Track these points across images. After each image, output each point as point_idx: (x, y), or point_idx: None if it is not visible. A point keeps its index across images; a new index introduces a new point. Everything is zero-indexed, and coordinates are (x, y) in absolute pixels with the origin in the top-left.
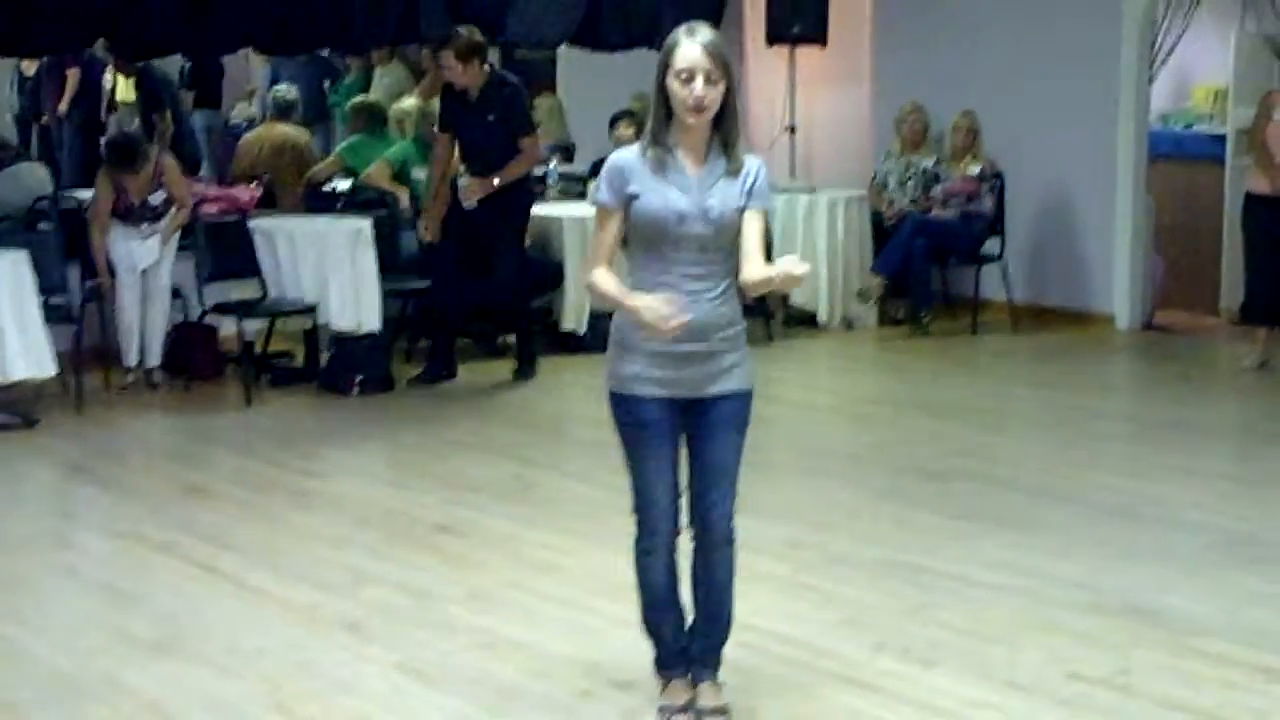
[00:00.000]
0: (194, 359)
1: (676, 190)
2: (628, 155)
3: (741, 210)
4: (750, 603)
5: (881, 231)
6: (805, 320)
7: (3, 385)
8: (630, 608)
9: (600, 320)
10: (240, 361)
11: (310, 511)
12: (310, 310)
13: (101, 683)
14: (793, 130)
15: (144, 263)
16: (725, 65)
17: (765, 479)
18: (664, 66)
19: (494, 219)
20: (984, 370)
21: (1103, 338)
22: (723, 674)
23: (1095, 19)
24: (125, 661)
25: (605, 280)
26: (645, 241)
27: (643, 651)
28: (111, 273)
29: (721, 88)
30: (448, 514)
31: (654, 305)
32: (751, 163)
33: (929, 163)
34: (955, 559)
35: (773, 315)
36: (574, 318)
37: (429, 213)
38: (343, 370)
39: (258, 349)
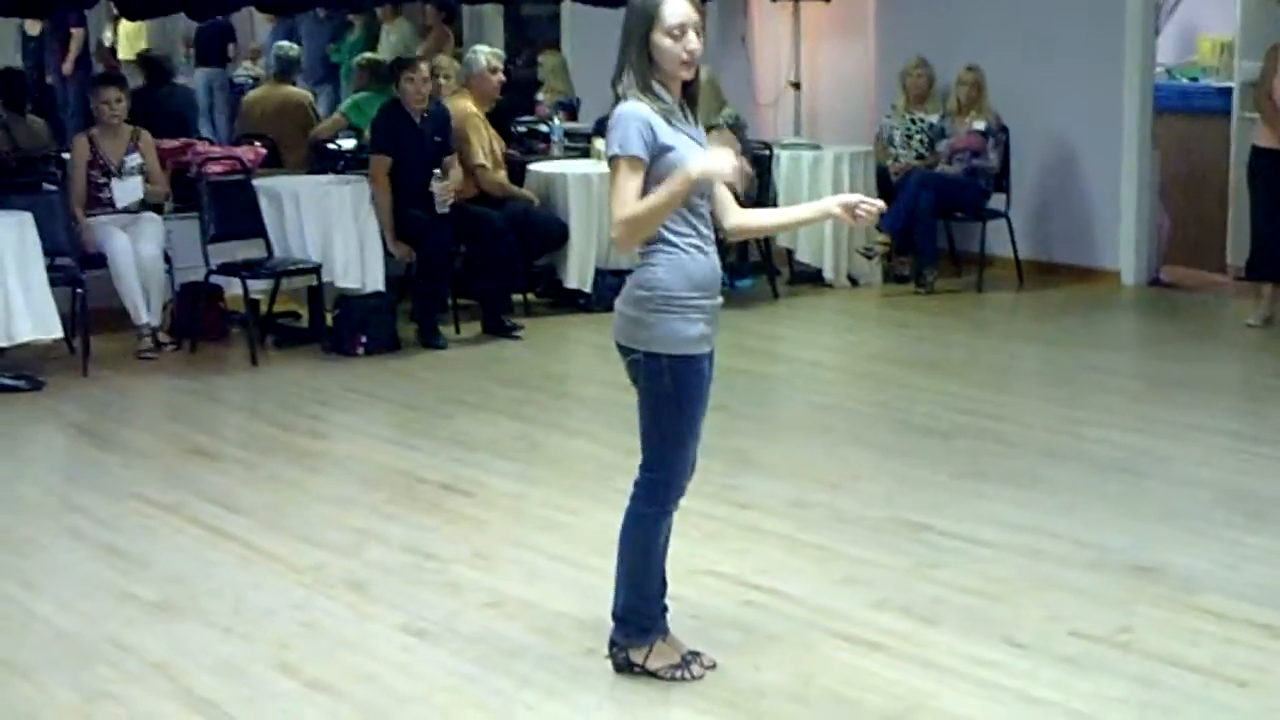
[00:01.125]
0: (199, 320)
1: (693, 142)
2: (645, 109)
3: None
4: (753, 560)
5: (887, 187)
6: (810, 278)
7: (8, 347)
8: None
9: (605, 278)
10: (245, 322)
11: (316, 472)
12: (315, 270)
13: (107, 644)
14: (797, 86)
15: (125, 200)
16: (703, 15)
17: (769, 437)
18: (648, 22)
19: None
20: (989, 327)
21: (1108, 294)
22: (716, 630)
23: None
24: (131, 623)
25: (640, 207)
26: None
27: None
28: (99, 258)
29: (702, 39)
30: (453, 474)
31: (709, 158)
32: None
33: (934, 118)
34: (958, 517)
35: (778, 273)
36: (578, 276)
37: (394, 241)
38: (348, 331)
39: (263, 309)
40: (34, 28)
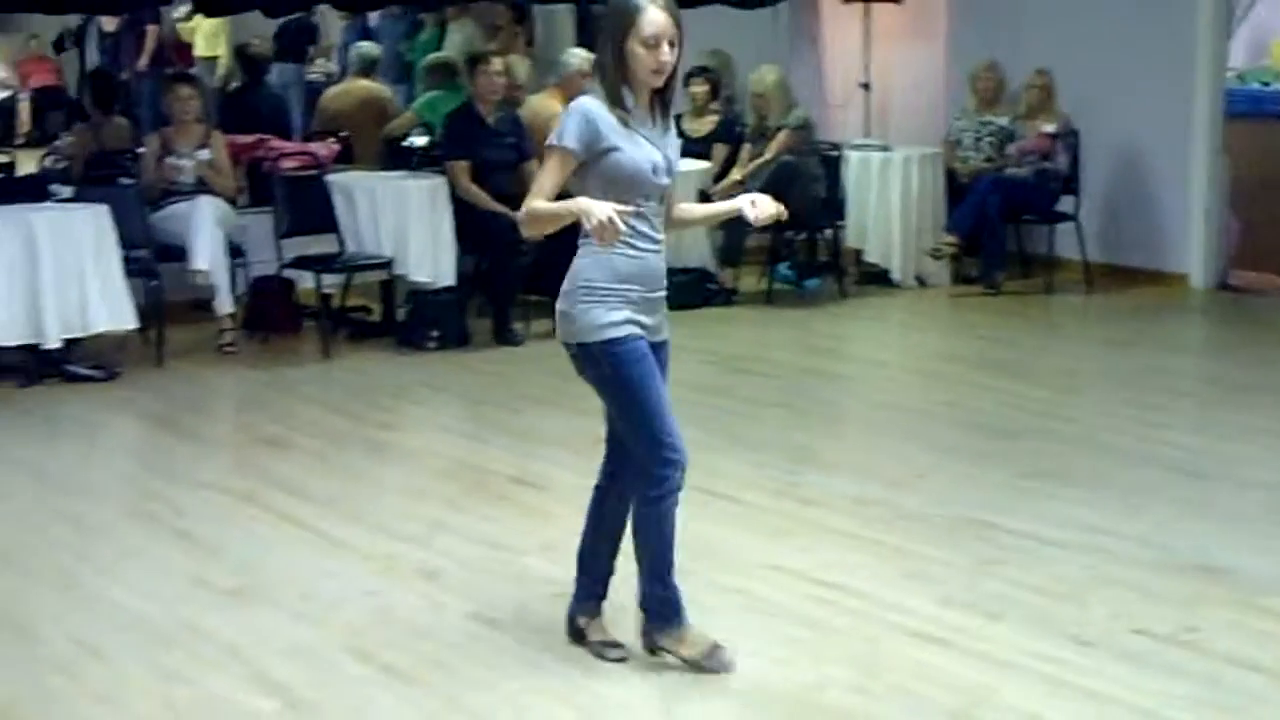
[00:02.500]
0: (272, 314)
1: (648, 144)
2: (598, 107)
3: None
4: (818, 556)
5: (956, 189)
6: (878, 278)
7: (84, 338)
8: (698, 560)
9: (672, 276)
10: (318, 316)
11: (387, 463)
12: (387, 264)
13: (182, 628)
14: (867, 87)
15: (181, 173)
16: (681, 28)
17: (835, 435)
18: (625, 30)
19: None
20: (1057, 329)
21: (1177, 297)
22: (781, 625)
23: None
24: (205, 607)
25: (543, 204)
26: (618, 194)
27: (712, 602)
28: (179, 250)
29: (677, 50)
30: (522, 467)
31: (602, 207)
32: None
33: (1003, 120)
34: (1024, 516)
35: (846, 273)
36: None
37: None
38: (420, 325)
39: (335, 304)
40: (110, 24)
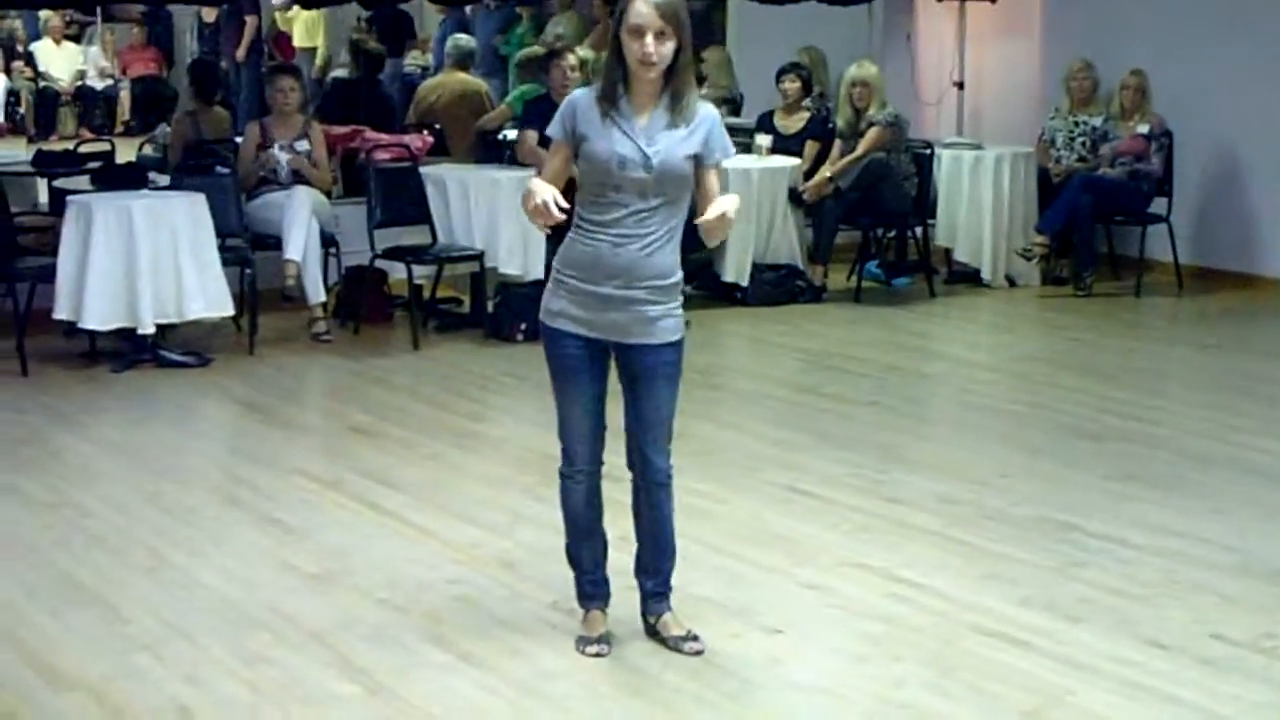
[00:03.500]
0: (364, 303)
1: (621, 136)
2: (584, 96)
3: (690, 159)
4: (900, 555)
5: (1048, 189)
6: (968, 278)
7: (179, 324)
8: (781, 556)
9: (762, 272)
10: (408, 306)
11: (472, 453)
12: (478, 257)
13: (267, 611)
14: (961, 85)
15: (285, 166)
16: (677, 23)
17: (921, 433)
18: (619, 21)
19: None
20: (1146, 331)
21: (1269, 301)
22: (860, 622)
23: None
24: (291, 592)
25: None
26: (589, 183)
27: (792, 597)
28: (274, 239)
29: (672, 44)
30: (604, 460)
31: (543, 191)
32: (706, 114)
33: (1097, 121)
34: (1107, 519)
35: (936, 272)
36: (735, 269)
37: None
38: (508, 317)
39: (426, 294)
40: (210, 15)
